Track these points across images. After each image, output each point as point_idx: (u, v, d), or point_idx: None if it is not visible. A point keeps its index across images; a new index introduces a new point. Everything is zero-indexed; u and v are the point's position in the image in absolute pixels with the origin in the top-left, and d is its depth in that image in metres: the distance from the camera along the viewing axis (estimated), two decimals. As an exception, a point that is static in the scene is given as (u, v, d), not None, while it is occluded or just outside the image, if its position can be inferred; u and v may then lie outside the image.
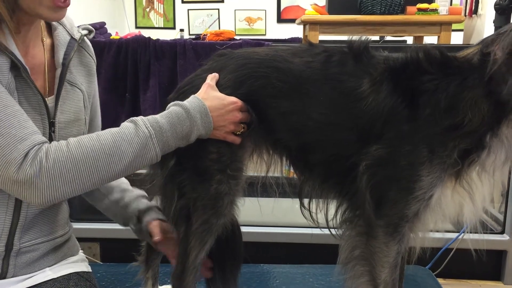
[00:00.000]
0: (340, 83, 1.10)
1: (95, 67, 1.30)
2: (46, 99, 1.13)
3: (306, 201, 1.21)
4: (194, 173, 1.15)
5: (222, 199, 1.15)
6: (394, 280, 1.10)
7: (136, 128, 1.05)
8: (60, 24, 1.20)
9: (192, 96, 1.13)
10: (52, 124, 1.13)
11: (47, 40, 1.18)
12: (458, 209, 1.07)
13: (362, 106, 1.06)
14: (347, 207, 1.13)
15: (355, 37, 1.15)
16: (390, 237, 1.06)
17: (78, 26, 1.25)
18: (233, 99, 1.14)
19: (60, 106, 1.15)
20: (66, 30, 1.20)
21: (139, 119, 1.07)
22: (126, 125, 1.06)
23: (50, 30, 1.20)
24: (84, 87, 1.23)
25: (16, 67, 1.04)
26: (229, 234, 1.25)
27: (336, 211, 1.16)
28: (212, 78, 1.16)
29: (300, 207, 1.22)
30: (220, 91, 1.15)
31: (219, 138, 1.14)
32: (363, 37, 1.14)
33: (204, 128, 1.11)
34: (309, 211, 1.21)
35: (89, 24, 1.28)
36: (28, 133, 0.99)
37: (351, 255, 1.11)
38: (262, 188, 1.27)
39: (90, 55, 1.28)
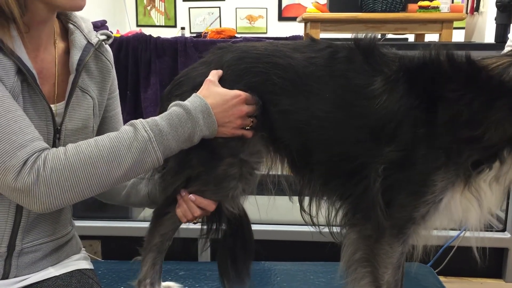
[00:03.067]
0: (348, 80, 1.06)
1: (113, 73, 1.27)
2: (56, 105, 1.11)
3: (305, 203, 1.19)
4: (202, 150, 1.12)
5: (228, 182, 1.12)
6: (397, 281, 1.08)
7: (135, 132, 1.02)
8: (77, 28, 1.16)
9: (194, 94, 1.10)
10: (58, 131, 1.11)
11: (60, 44, 1.15)
12: (464, 213, 1.04)
13: (374, 105, 1.02)
14: (349, 209, 1.10)
15: (360, 34, 1.11)
16: (394, 238, 1.04)
17: (97, 31, 1.22)
18: (236, 92, 1.10)
19: (69, 113, 1.13)
20: (83, 34, 1.17)
21: (138, 122, 1.04)
22: (125, 129, 1.04)
23: (66, 34, 1.17)
24: (96, 94, 1.20)
25: (23, 71, 1.02)
26: (238, 226, 1.25)
27: (337, 213, 1.13)
28: (214, 74, 1.12)
29: (300, 211, 1.20)
30: (220, 83, 1.11)
31: (227, 135, 1.10)
32: (370, 34, 1.10)
33: (208, 128, 1.08)
34: (310, 215, 1.18)
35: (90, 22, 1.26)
36: (29, 139, 0.97)
37: (353, 257, 1.08)
38: (259, 186, 1.24)
39: (108, 60, 1.24)
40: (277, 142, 1.16)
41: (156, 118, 1.06)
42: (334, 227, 1.16)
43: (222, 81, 1.12)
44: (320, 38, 3.08)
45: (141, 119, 1.06)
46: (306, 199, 1.19)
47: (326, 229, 1.17)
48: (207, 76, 1.13)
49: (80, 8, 1.06)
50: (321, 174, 1.13)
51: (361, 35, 1.10)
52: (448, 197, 1.01)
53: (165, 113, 1.07)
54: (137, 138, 1.01)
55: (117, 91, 1.33)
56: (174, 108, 1.07)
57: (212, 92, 1.09)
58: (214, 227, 1.28)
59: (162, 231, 1.24)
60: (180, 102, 1.08)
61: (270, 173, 1.22)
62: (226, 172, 1.12)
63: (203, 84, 1.11)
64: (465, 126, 0.97)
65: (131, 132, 1.02)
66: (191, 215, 1.17)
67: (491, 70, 0.97)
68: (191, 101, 1.08)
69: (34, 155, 0.96)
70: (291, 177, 1.22)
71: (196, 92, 1.11)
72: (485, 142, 0.96)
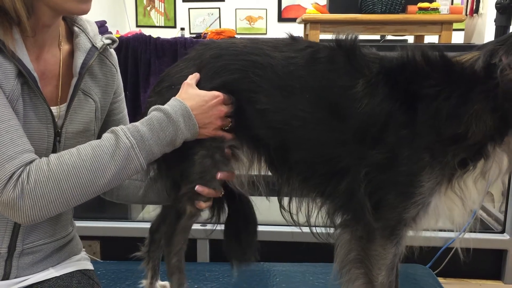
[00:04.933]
0: (330, 81, 1.06)
1: (117, 76, 1.27)
2: (59, 106, 1.11)
3: (284, 201, 1.18)
4: (175, 152, 1.11)
5: (210, 172, 1.14)
6: (391, 282, 1.08)
7: (117, 140, 1.02)
8: (82, 31, 1.17)
9: (173, 98, 1.10)
10: (58, 134, 1.11)
11: (65, 46, 1.15)
12: (448, 212, 1.05)
13: (356, 108, 1.02)
14: (334, 208, 1.10)
15: (341, 34, 1.09)
16: (387, 240, 1.04)
17: (103, 35, 1.23)
18: (214, 93, 1.11)
19: (70, 116, 1.13)
20: (89, 38, 1.17)
21: (119, 129, 1.04)
22: (107, 136, 1.04)
23: (71, 36, 1.17)
24: (99, 98, 1.20)
25: (23, 74, 1.02)
26: (239, 206, 1.26)
27: (319, 211, 1.13)
28: (192, 78, 1.13)
29: (280, 209, 1.19)
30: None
31: (208, 136, 1.12)
32: (351, 34, 1.09)
33: (189, 131, 1.08)
34: (290, 212, 1.18)
35: (90, 23, 1.26)
36: (18, 151, 0.97)
37: (346, 258, 1.08)
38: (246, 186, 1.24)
39: (112, 64, 1.24)
40: (253, 140, 1.15)
41: (137, 124, 1.06)
42: (314, 223, 1.16)
43: (200, 79, 1.13)
44: (320, 40, 3.09)
45: (122, 126, 1.05)
46: (285, 198, 1.18)
47: (307, 229, 1.17)
48: (185, 73, 1.14)
49: (85, 12, 1.06)
50: (300, 172, 1.12)
51: (342, 35, 1.09)
52: (436, 198, 1.01)
53: (146, 118, 1.07)
54: (119, 146, 1.01)
55: (123, 94, 1.33)
56: (154, 112, 1.07)
57: (191, 95, 1.10)
58: (216, 209, 1.30)
59: (174, 250, 1.25)
60: (160, 106, 1.08)
61: (250, 173, 1.21)
62: (202, 165, 1.14)
63: (181, 88, 1.12)
64: (447, 123, 0.97)
65: (112, 140, 1.02)
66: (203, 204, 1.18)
67: (463, 64, 0.99)
68: (170, 105, 1.08)
69: (21, 168, 0.96)
70: (268, 177, 1.21)
71: (173, 88, 1.12)
72: (470, 139, 0.97)
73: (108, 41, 1.21)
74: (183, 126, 1.07)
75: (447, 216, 1.05)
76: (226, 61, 1.12)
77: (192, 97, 1.09)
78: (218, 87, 1.12)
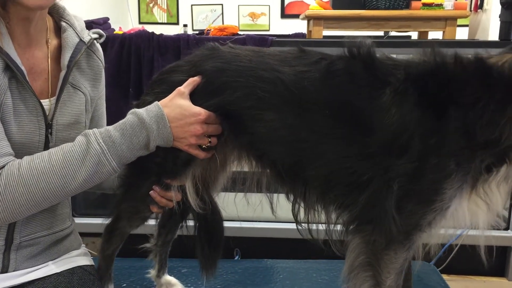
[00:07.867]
0: (350, 94, 1.02)
1: (103, 72, 1.28)
2: (50, 99, 1.13)
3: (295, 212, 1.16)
4: (136, 165, 1.13)
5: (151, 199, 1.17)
6: (398, 286, 1.07)
7: (88, 145, 1.03)
8: (70, 26, 1.18)
9: (154, 103, 1.09)
10: (49, 126, 1.12)
11: (53, 41, 1.17)
12: (472, 217, 1.02)
13: (384, 119, 0.97)
14: (354, 217, 1.07)
15: (355, 40, 1.05)
16: (400, 244, 1.02)
17: (89, 30, 1.23)
18: (196, 110, 1.08)
19: (60, 108, 1.14)
20: (76, 32, 1.18)
21: (92, 133, 1.05)
22: (79, 140, 1.05)
23: (59, 31, 1.18)
24: (88, 91, 1.22)
25: (11, 68, 1.03)
26: (202, 220, 1.30)
27: (336, 219, 1.11)
28: (188, 84, 1.10)
29: (296, 226, 1.16)
30: (193, 93, 1.10)
31: (182, 149, 1.11)
32: (366, 39, 1.04)
33: (162, 139, 1.07)
34: (309, 229, 1.14)
35: (92, 19, 1.28)
36: None
37: (355, 262, 1.06)
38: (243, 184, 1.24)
39: (99, 59, 1.26)
40: (258, 155, 1.13)
41: (110, 128, 1.07)
42: (332, 226, 1.14)
43: (198, 92, 1.10)
44: (323, 36, 3.08)
45: (95, 130, 1.06)
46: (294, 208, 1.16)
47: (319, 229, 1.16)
48: (185, 79, 1.11)
49: (40, 6, 1.04)
50: (318, 186, 1.09)
51: (354, 42, 1.05)
52: (456, 203, 0.99)
53: (120, 122, 1.08)
54: (89, 152, 1.02)
55: (104, 91, 1.34)
56: (129, 116, 1.08)
57: (174, 104, 1.08)
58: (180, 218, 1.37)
59: (111, 248, 1.28)
60: (137, 110, 1.08)
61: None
62: (148, 190, 1.17)
63: (172, 93, 1.10)
64: (483, 130, 0.94)
65: (84, 145, 1.03)
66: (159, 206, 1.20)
67: (501, 67, 0.95)
68: (148, 110, 1.08)
69: None
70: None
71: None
72: (503, 144, 0.94)
73: (95, 36, 1.23)
74: (156, 132, 1.06)
75: (471, 221, 1.03)
76: (229, 78, 1.08)
77: (173, 108, 1.07)
78: (215, 106, 1.08)
